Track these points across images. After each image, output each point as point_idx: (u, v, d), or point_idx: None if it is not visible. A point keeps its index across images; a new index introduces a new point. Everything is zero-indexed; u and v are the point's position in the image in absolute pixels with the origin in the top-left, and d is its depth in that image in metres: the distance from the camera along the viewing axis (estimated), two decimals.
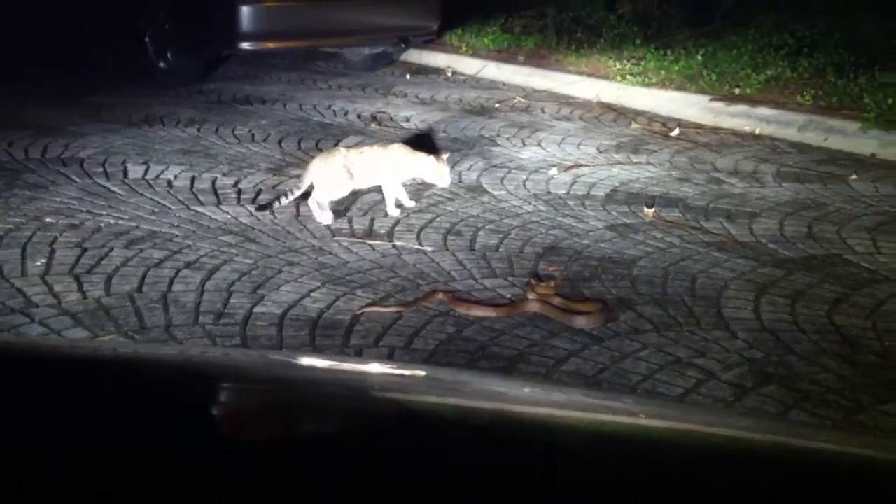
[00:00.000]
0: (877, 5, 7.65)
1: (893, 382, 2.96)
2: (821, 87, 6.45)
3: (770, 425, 1.65)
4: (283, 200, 4.42)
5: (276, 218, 4.36)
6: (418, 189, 4.82)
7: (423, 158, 4.46)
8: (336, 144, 5.70)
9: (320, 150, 5.56)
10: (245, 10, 7.22)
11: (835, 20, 7.64)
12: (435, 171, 4.46)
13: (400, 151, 4.50)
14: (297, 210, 4.46)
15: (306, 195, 4.41)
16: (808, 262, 3.91)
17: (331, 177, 4.38)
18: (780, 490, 0.95)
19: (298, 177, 4.61)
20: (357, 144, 5.00)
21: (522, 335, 3.24)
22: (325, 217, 4.34)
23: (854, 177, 5.12)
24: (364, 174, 4.44)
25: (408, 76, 8.13)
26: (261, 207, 4.48)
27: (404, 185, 4.57)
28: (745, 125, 6.21)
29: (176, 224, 4.24)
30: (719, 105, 6.53)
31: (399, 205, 4.53)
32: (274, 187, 4.82)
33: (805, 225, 4.37)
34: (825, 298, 3.54)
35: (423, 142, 5.79)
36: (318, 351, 3.13)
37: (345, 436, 0.96)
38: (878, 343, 3.21)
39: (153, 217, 4.33)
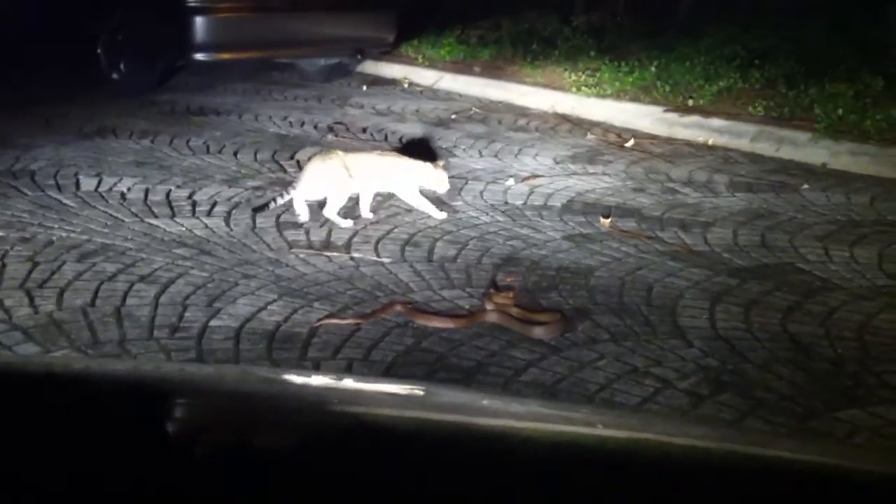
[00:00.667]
0: (822, 18, 7.80)
1: (846, 389, 3.00)
2: (772, 98, 6.56)
3: (726, 433, 1.67)
4: (279, 200, 4.47)
5: (231, 230, 4.33)
6: (378, 200, 4.81)
7: (420, 165, 4.51)
8: (293, 156, 5.67)
9: (277, 162, 5.53)
10: (199, 21, 7.17)
11: (784, 33, 7.78)
12: (433, 177, 4.50)
13: (397, 158, 4.56)
14: (253, 222, 4.43)
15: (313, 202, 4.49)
16: (761, 271, 3.96)
17: (331, 178, 4.43)
18: (737, 498, 0.96)
19: (289, 182, 4.68)
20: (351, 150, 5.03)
21: (481, 346, 3.24)
22: (343, 223, 4.41)
23: (805, 186, 5.20)
24: (362, 177, 4.48)
25: (364, 87, 8.12)
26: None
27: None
28: (699, 136, 6.28)
29: (129, 237, 4.19)
30: (673, 116, 6.60)
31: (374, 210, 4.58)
32: (229, 199, 4.78)
33: (758, 234, 4.43)
34: (778, 306, 3.59)
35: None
36: (275, 364, 3.11)
37: (300, 451, 0.95)
38: (831, 350, 3.25)
39: (106, 230, 4.27)
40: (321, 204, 4.47)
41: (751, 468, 1.09)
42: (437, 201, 4.85)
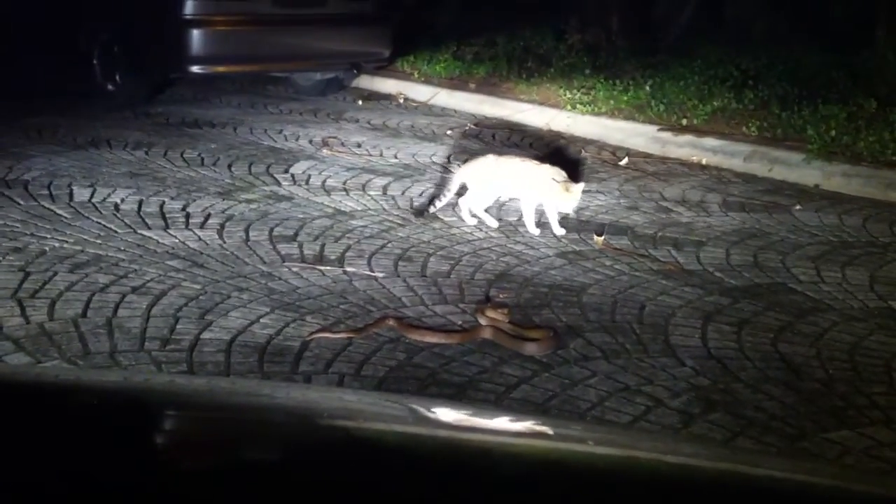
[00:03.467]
0: (815, 39, 7.85)
1: (836, 410, 3.01)
2: (765, 119, 6.58)
3: (716, 452, 1.67)
4: (438, 204, 4.70)
5: (224, 243, 4.32)
6: (368, 212, 4.82)
7: (554, 183, 4.47)
8: (287, 169, 5.67)
9: (271, 175, 5.54)
10: (195, 34, 7.17)
11: (777, 53, 7.82)
12: (561, 196, 4.49)
13: (544, 172, 4.54)
14: (247, 235, 4.43)
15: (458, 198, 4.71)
16: (753, 291, 3.97)
17: (478, 181, 4.62)
18: None
19: (447, 181, 4.90)
20: (509, 154, 5.12)
21: (472, 362, 3.24)
22: (473, 218, 4.63)
23: (798, 207, 5.22)
24: (509, 184, 4.61)
25: (359, 102, 8.14)
26: (418, 213, 4.81)
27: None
28: (692, 155, 6.31)
29: (122, 248, 4.18)
30: (667, 135, 6.62)
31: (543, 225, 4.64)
32: (223, 212, 4.78)
33: (750, 254, 4.44)
34: (770, 326, 3.60)
35: (376, 167, 5.79)
36: (266, 377, 3.10)
37: (291, 464, 0.95)
38: (822, 371, 3.26)
39: (99, 241, 4.26)
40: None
41: (741, 487, 1.09)
42: (430, 215, 4.85)
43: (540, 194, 4.56)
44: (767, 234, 4.76)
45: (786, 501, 1.03)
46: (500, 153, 4.97)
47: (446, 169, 5.87)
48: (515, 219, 4.84)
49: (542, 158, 4.98)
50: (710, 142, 6.39)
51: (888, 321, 3.68)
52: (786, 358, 3.34)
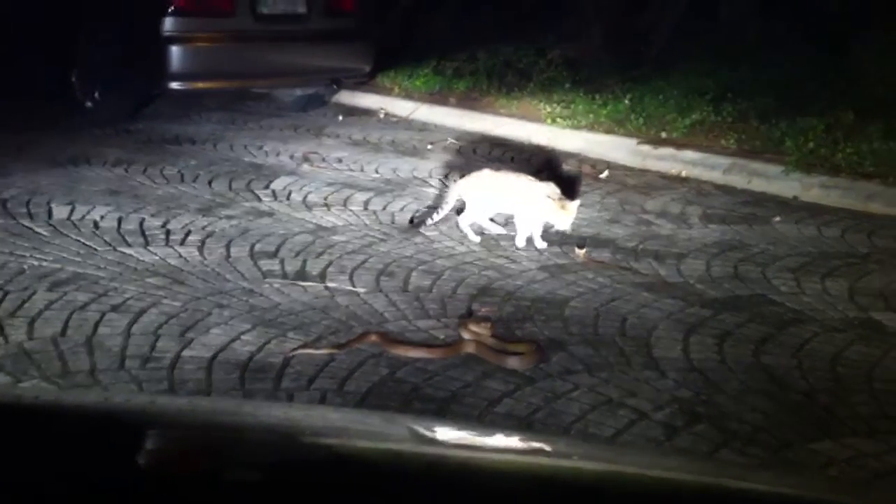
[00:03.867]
0: (795, 53, 7.91)
1: (819, 420, 3.02)
2: (744, 132, 6.62)
3: (701, 466, 1.67)
4: (435, 217, 4.74)
5: (205, 259, 4.30)
6: (349, 228, 4.81)
7: (554, 202, 4.47)
8: (268, 185, 5.66)
9: (251, 191, 5.52)
10: (175, 50, 7.15)
11: (756, 67, 7.87)
12: (557, 214, 4.50)
13: (540, 189, 4.54)
14: (228, 252, 4.41)
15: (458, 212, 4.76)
16: (734, 303, 3.98)
17: (475, 195, 4.65)
18: None
19: (444, 195, 4.93)
20: (505, 169, 5.13)
21: (455, 376, 3.23)
22: (473, 237, 4.66)
23: (777, 219, 5.25)
24: (504, 199, 4.62)
25: (340, 117, 8.13)
26: (414, 224, 4.84)
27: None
28: (672, 168, 6.34)
29: (102, 266, 4.15)
30: (647, 148, 6.65)
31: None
32: (203, 228, 4.76)
33: (731, 266, 4.46)
34: (752, 338, 3.61)
35: (357, 182, 5.79)
36: (248, 395, 3.08)
37: (273, 484, 0.94)
38: (804, 381, 3.27)
39: (78, 259, 4.23)
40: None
41: (726, 501, 1.09)
42: (411, 230, 4.85)
43: (536, 211, 4.56)
44: (747, 245, 4.78)
45: None
46: (495, 168, 4.97)
47: (426, 182, 5.87)
48: (498, 232, 4.84)
49: (537, 174, 4.98)
50: (690, 154, 6.42)
51: (868, 332, 3.71)
52: (768, 369, 3.36)
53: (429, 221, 4.80)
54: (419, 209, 5.24)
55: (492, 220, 4.79)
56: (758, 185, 5.91)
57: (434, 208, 4.91)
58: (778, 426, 2.97)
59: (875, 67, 7.18)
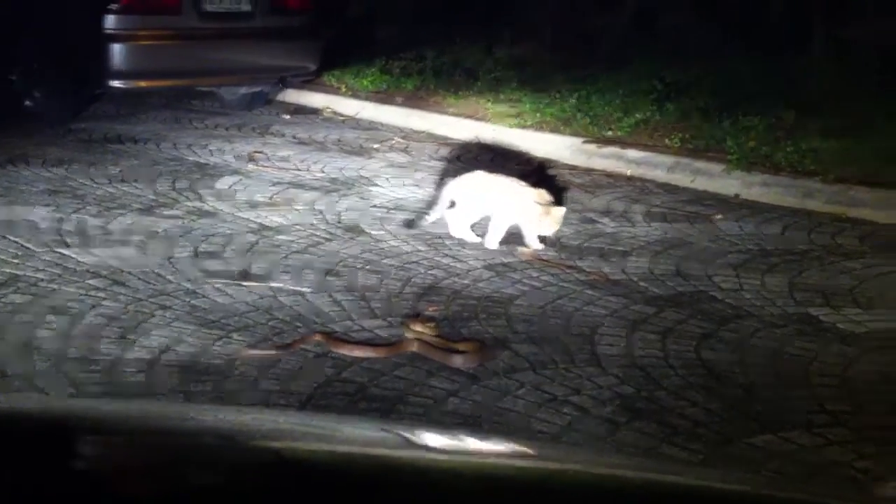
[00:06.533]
0: (738, 54, 8.03)
1: (758, 415, 3.07)
2: (687, 131, 6.70)
3: (640, 462, 1.69)
4: (429, 218, 4.73)
5: (147, 260, 4.24)
6: (295, 228, 4.78)
7: (541, 207, 4.49)
8: (212, 185, 5.60)
9: (195, 192, 5.45)
10: (117, 48, 7.04)
11: (706, 67, 7.97)
12: (542, 219, 4.51)
13: (530, 194, 4.54)
14: (170, 252, 4.36)
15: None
16: (676, 299, 4.04)
17: (467, 196, 4.64)
18: None
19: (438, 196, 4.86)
20: (498, 172, 5.02)
21: (402, 375, 3.23)
22: (462, 233, 4.67)
23: (719, 217, 5.32)
24: (495, 203, 4.60)
25: (286, 116, 8.08)
26: (409, 224, 4.86)
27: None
28: (617, 167, 6.39)
29: (40, 268, 4.07)
30: (592, 147, 6.70)
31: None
32: (146, 229, 4.69)
33: (674, 263, 4.51)
34: (693, 334, 3.66)
35: (303, 182, 5.75)
36: (191, 397, 3.05)
37: (215, 489, 0.93)
38: (744, 377, 3.33)
39: (16, 260, 4.14)
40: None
41: (665, 498, 1.10)
42: (357, 229, 4.83)
43: (521, 216, 4.57)
44: (690, 243, 4.84)
45: None
46: (489, 170, 4.92)
47: (372, 182, 5.86)
48: (443, 231, 4.84)
49: (526, 178, 4.95)
50: (634, 153, 6.48)
51: (807, 327, 3.78)
52: (709, 365, 3.40)
53: (423, 223, 4.78)
54: (350, 210, 5.23)
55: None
56: (700, 184, 5.99)
57: (428, 209, 4.87)
58: (718, 421, 3.02)
59: (814, 69, 7.32)
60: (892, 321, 3.85)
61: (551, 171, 6.28)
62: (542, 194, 4.57)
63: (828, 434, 2.95)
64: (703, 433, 2.95)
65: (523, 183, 4.70)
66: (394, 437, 1.33)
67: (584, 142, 6.80)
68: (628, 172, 6.30)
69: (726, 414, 3.07)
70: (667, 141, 6.62)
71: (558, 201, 4.69)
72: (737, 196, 5.77)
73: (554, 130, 7.13)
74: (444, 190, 4.78)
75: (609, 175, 6.29)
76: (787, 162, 5.97)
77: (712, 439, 2.91)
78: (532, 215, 4.54)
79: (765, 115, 6.63)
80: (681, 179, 6.09)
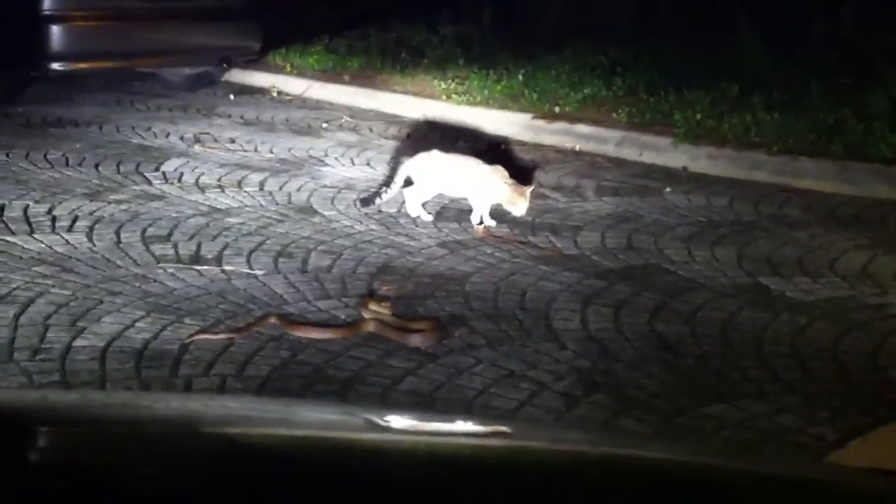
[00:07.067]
0: (674, 33, 8.09)
1: (712, 385, 3.12)
2: (634, 105, 6.75)
3: (596, 437, 1.70)
4: (384, 196, 4.69)
5: (94, 246, 4.17)
6: (245, 209, 4.73)
7: (503, 185, 4.51)
8: (158, 167, 5.51)
9: (141, 174, 5.36)
10: (55, 30, 6.88)
11: (644, 45, 8.02)
12: (512, 199, 4.52)
13: (492, 173, 4.56)
14: (118, 237, 4.28)
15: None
16: (628, 273, 4.07)
17: (424, 173, 4.61)
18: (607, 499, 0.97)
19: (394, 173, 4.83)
20: (456, 152, 5.06)
21: (358, 356, 3.21)
22: (418, 212, 4.65)
23: (668, 190, 5.38)
24: (454, 181, 4.62)
25: (231, 96, 7.97)
26: (364, 202, 4.80)
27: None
28: (566, 142, 6.42)
29: None
30: (541, 123, 6.72)
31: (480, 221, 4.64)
32: (92, 214, 4.60)
33: (625, 237, 4.55)
34: (646, 307, 3.70)
35: (251, 163, 5.68)
36: (144, 383, 3.01)
37: (169, 478, 0.92)
38: (697, 347, 3.37)
39: None
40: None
41: (621, 471, 1.11)
42: (308, 210, 4.80)
43: (492, 195, 4.57)
44: (640, 216, 4.89)
45: (666, 483, 1.06)
46: (444, 150, 4.89)
47: (322, 161, 5.81)
48: (395, 210, 4.82)
49: (479, 156, 4.93)
50: (583, 129, 6.52)
51: (757, 296, 3.84)
52: (662, 336, 3.44)
53: (377, 200, 4.75)
54: (301, 189, 5.19)
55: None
56: (648, 158, 6.04)
57: (383, 187, 4.83)
58: (673, 392, 3.06)
59: (756, 43, 7.41)
60: (838, 289, 3.94)
61: (501, 148, 6.28)
62: (503, 172, 4.58)
63: (780, 401, 3.01)
64: (658, 404, 2.98)
65: (481, 161, 4.69)
66: (352, 419, 1.33)
67: (533, 117, 6.82)
68: (577, 147, 6.33)
69: (681, 385, 3.11)
70: (614, 116, 6.67)
71: (513, 178, 4.68)
72: (684, 169, 5.83)
73: (502, 107, 7.14)
74: (400, 168, 4.76)
75: (558, 150, 6.31)
76: (732, 134, 6.05)
77: (667, 410, 2.95)
78: (503, 195, 4.54)
79: (709, 89, 6.70)
80: (629, 153, 6.14)
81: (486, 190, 4.59)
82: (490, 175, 4.58)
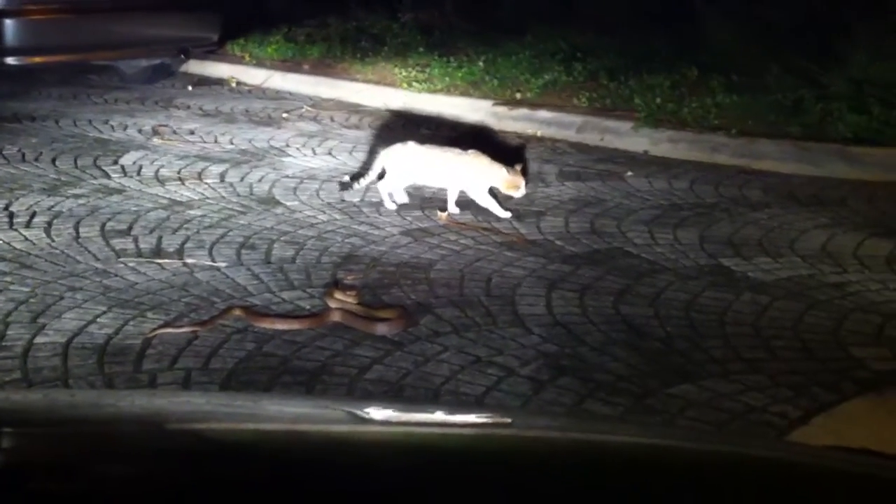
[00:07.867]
0: (634, 17, 8.11)
1: (677, 366, 3.14)
2: (595, 90, 6.78)
3: (566, 422, 1.71)
4: (360, 184, 4.71)
5: (53, 241, 4.11)
6: (206, 201, 4.69)
7: (495, 168, 4.51)
8: (117, 161, 5.44)
9: (99, 168, 5.29)
10: (7, 23, 6.76)
11: (600, 31, 8.04)
12: (506, 180, 4.49)
13: (475, 159, 4.55)
14: (77, 232, 4.22)
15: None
16: (593, 257, 4.09)
17: (399, 164, 4.60)
18: (577, 482, 0.98)
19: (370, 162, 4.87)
20: (432, 142, 4.98)
21: (324, 346, 3.20)
22: (390, 203, 4.64)
23: (630, 174, 5.41)
24: (432, 171, 4.60)
25: (190, 88, 7.88)
26: (343, 187, 4.89)
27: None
28: (528, 128, 6.43)
29: None
30: (502, 109, 6.72)
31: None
32: (50, 209, 4.53)
33: (588, 221, 4.57)
34: (611, 290, 3.72)
35: (211, 155, 5.63)
36: (108, 379, 2.97)
37: (137, 478, 0.90)
38: (661, 330, 3.40)
39: None
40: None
41: (593, 454, 1.11)
42: (271, 200, 4.76)
43: (488, 181, 4.55)
44: (603, 201, 4.91)
45: (633, 467, 1.06)
46: (420, 141, 4.87)
47: (283, 152, 5.77)
48: (358, 199, 4.80)
49: (446, 143, 4.92)
50: (544, 114, 6.53)
51: (719, 278, 3.88)
52: (627, 319, 3.47)
53: (354, 187, 4.77)
54: (263, 180, 5.15)
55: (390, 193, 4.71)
56: (610, 142, 6.07)
57: (359, 175, 4.84)
58: (639, 374, 3.08)
59: (714, 27, 7.45)
60: (799, 268, 3.98)
61: (464, 135, 6.27)
62: (486, 157, 4.58)
63: (744, 381, 3.04)
64: (624, 387, 3.00)
65: (459, 150, 4.68)
66: (321, 411, 1.32)
67: (495, 104, 6.82)
68: (539, 133, 6.34)
69: (646, 367, 3.13)
70: (575, 101, 6.69)
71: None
72: (646, 153, 5.87)
73: (464, 94, 7.13)
74: (376, 158, 4.74)
75: (520, 136, 6.32)
76: (692, 118, 6.10)
77: (634, 392, 2.97)
78: (500, 178, 4.53)
79: (669, 73, 6.74)
80: (591, 138, 6.16)
81: (480, 177, 4.57)
82: (476, 161, 4.57)
